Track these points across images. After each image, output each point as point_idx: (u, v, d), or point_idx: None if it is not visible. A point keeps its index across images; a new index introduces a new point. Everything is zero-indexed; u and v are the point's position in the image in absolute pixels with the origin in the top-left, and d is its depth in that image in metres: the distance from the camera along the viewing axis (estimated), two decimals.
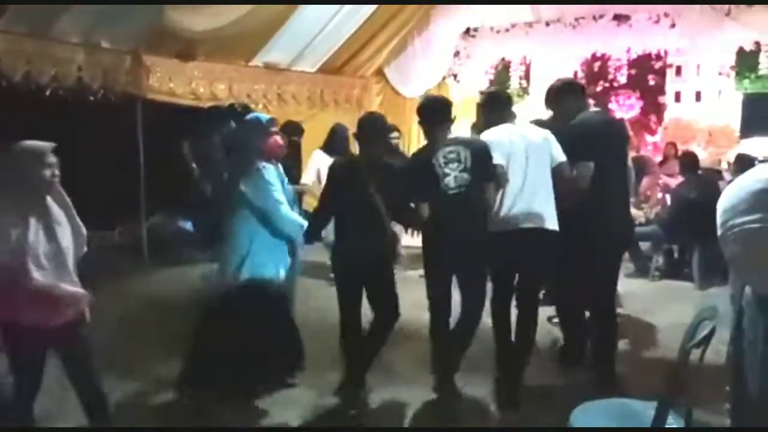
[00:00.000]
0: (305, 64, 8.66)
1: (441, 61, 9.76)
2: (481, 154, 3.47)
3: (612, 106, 9.54)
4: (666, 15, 8.59)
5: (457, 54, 9.85)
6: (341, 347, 3.84)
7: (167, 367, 4.19)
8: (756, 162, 5.41)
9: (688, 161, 6.43)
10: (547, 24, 9.28)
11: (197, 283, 5.77)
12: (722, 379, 2.99)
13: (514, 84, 9.76)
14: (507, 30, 9.60)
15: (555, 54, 9.39)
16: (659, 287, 6.22)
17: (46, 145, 2.70)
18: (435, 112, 3.67)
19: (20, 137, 5.63)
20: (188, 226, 8.01)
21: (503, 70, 9.84)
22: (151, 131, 6.85)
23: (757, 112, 8.04)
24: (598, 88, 9.69)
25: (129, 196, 6.88)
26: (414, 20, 9.20)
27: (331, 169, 3.73)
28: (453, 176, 3.44)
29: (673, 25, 8.57)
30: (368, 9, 8.22)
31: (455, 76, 9.96)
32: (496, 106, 3.83)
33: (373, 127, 3.67)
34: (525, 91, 9.74)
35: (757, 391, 2.18)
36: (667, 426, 2.21)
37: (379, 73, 9.87)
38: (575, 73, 9.61)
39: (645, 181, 8.09)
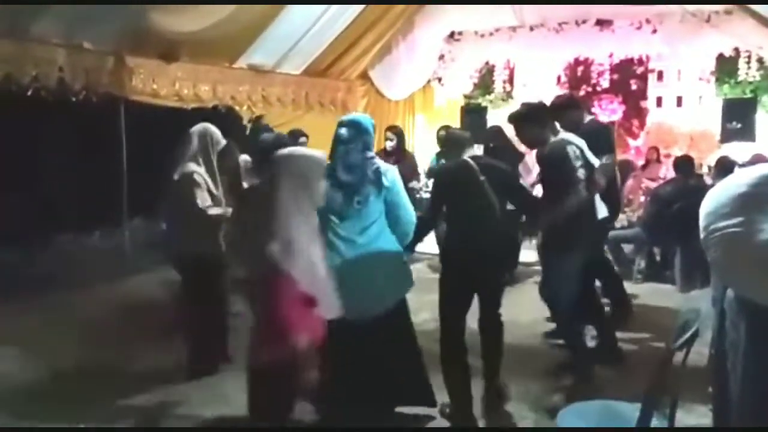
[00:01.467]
0: (290, 67, 8.63)
1: (426, 65, 9.80)
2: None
3: (595, 110, 9.63)
4: (648, 21, 8.69)
5: (441, 57, 9.88)
6: (443, 366, 3.55)
7: (149, 367, 4.18)
8: (737, 166, 5.48)
9: (684, 164, 6.43)
10: (531, 28, 9.35)
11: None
12: (705, 381, 3.04)
13: (498, 88, 9.81)
14: (491, 34, 9.66)
15: (538, 58, 9.46)
16: (642, 290, 6.27)
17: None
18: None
19: (2, 138, 5.59)
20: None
21: (487, 73, 9.89)
22: (134, 133, 6.79)
23: (736, 117, 8.16)
24: (581, 93, 9.76)
25: (111, 198, 6.81)
26: (399, 23, 9.23)
27: (442, 173, 3.84)
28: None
29: (654, 31, 8.68)
30: (353, 12, 8.22)
31: (440, 79, 10.00)
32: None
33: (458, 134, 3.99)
34: (509, 95, 9.80)
35: (739, 392, 2.20)
36: (651, 427, 2.23)
37: (364, 75, 9.88)
38: (558, 78, 9.69)
39: (628, 185, 8.17)
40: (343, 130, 3.33)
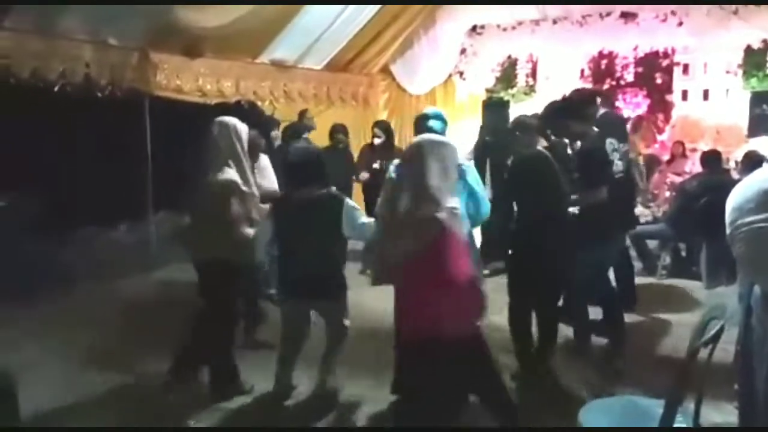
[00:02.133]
0: (312, 62, 8.66)
1: (447, 59, 9.76)
2: None
3: (619, 104, 9.51)
4: (673, 13, 8.55)
5: (463, 51, 9.83)
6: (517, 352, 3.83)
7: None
8: (765, 161, 5.39)
9: (711, 159, 6.34)
10: (554, 22, 9.26)
11: None
12: (730, 378, 3.00)
13: (520, 82, 9.74)
14: (513, 28, 9.58)
15: (562, 51, 9.37)
16: (667, 286, 6.20)
17: None
18: None
19: (30, 133, 5.69)
20: None
21: (510, 67, 9.82)
22: (158, 127, 6.87)
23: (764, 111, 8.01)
24: (605, 86, 9.65)
25: (136, 192, 6.90)
26: (420, 18, 9.20)
27: (519, 164, 3.86)
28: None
29: (680, 24, 8.54)
30: (374, 6, 8.22)
31: (461, 73, 9.94)
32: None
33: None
34: (531, 89, 9.73)
35: (765, 389, 2.18)
36: (675, 425, 2.21)
37: (386, 70, 9.87)
38: (582, 71, 9.59)
39: (653, 180, 8.07)
40: (434, 123, 3.44)
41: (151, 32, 6.47)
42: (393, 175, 3.30)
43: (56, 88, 5.87)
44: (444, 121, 3.65)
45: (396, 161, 3.36)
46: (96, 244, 7.15)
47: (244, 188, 3.55)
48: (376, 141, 6.78)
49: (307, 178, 3.47)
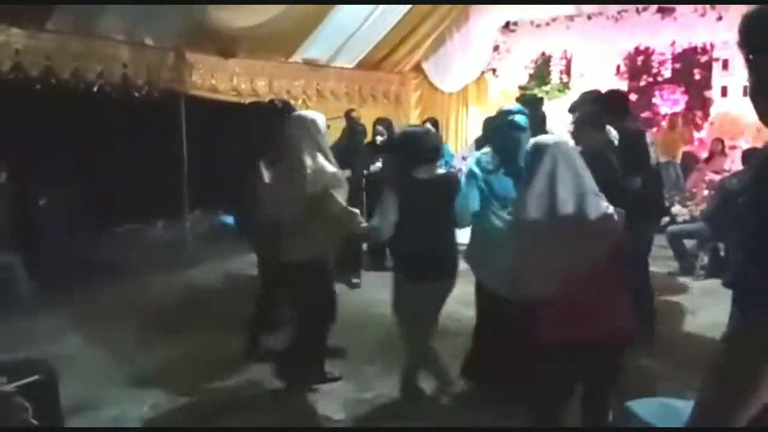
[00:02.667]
0: (344, 60, 8.70)
1: (480, 56, 9.70)
2: None
3: (656, 100, 9.35)
4: (712, 7, 8.36)
5: (496, 48, 9.76)
6: None
7: (212, 357, 4.30)
8: None
9: (754, 156, 6.19)
10: (589, 17, 9.13)
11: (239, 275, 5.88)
12: None
13: (554, 79, 9.63)
14: (547, 24, 9.48)
15: (597, 48, 9.24)
16: (705, 286, 6.07)
17: None
18: None
19: (70, 132, 5.82)
20: (229, 220, 8.15)
21: (543, 64, 9.73)
22: (194, 126, 6.98)
23: None
24: (642, 83, 9.50)
25: (173, 190, 7.03)
26: (453, 15, 9.16)
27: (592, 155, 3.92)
28: None
29: (719, 18, 8.34)
30: (406, 5, 8.20)
31: (494, 70, 9.88)
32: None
33: None
34: (566, 86, 9.62)
35: None
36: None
37: (417, 68, 9.86)
38: (617, 68, 9.45)
39: (691, 178, 7.90)
40: (520, 118, 3.42)
41: (186, 33, 6.57)
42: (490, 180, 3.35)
43: (95, 88, 6.00)
44: (527, 117, 3.57)
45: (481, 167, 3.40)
46: (133, 241, 7.31)
47: (341, 179, 3.58)
48: (378, 139, 6.54)
49: (427, 157, 3.44)
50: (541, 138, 2.82)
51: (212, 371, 4.07)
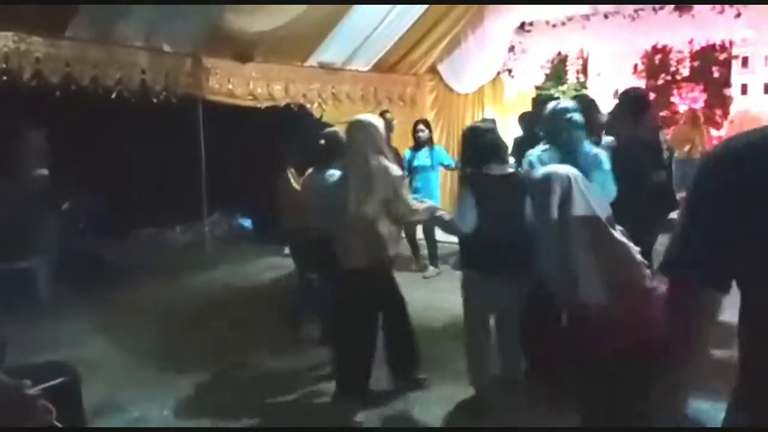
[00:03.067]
0: (359, 63, 8.71)
1: (495, 57, 9.66)
2: None
3: (674, 99, 9.26)
4: (731, 4, 8.26)
5: (511, 49, 9.71)
6: None
7: (235, 360, 4.33)
8: None
9: None
10: (606, 16, 9.05)
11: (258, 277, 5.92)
12: None
13: (571, 78, 9.58)
14: (563, 23, 9.41)
15: (614, 47, 9.17)
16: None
17: None
18: None
19: (91, 138, 5.89)
20: (247, 223, 8.22)
21: (559, 64, 9.67)
22: (211, 131, 7.04)
23: None
24: (660, 82, 9.41)
25: (191, 194, 7.09)
26: (468, 16, 9.13)
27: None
28: None
29: (738, 15, 8.24)
30: (421, 6, 8.19)
31: (510, 71, 9.83)
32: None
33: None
34: (582, 85, 9.56)
35: None
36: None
37: (433, 70, 9.83)
38: (635, 66, 9.37)
39: None
40: (578, 116, 3.53)
41: (203, 38, 6.63)
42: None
43: (114, 95, 6.07)
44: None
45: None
46: (153, 245, 7.39)
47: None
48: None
49: (499, 156, 3.51)
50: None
51: (232, 372, 4.11)
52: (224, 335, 4.82)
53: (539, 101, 7.28)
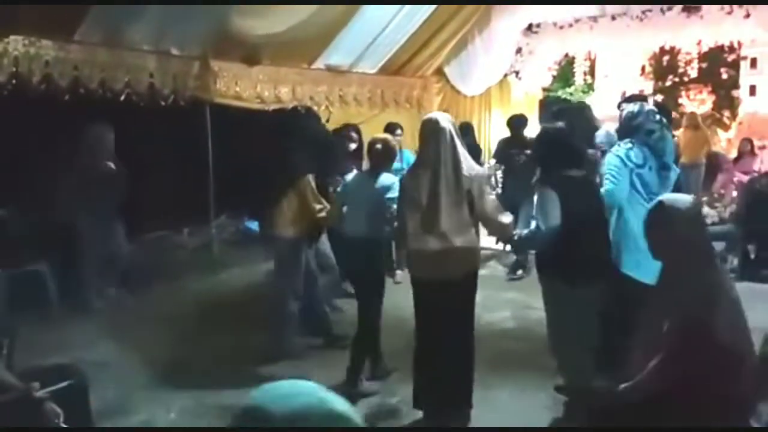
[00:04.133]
0: (366, 66, 8.72)
1: (502, 59, 9.66)
2: None
3: (682, 101, 9.22)
4: (740, 5, 8.23)
5: (519, 51, 9.71)
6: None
7: (239, 361, 4.34)
8: None
9: None
10: (613, 18, 9.04)
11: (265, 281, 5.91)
12: None
13: (578, 80, 9.57)
14: (570, 25, 9.40)
15: (621, 48, 9.16)
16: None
17: None
18: None
19: (100, 141, 5.93)
20: (254, 226, 8.23)
21: (567, 66, 9.67)
22: (219, 134, 7.06)
23: None
24: (668, 83, 9.38)
25: (199, 197, 7.11)
26: (474, 18, 9.12)
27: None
28: None
29: (747, 16, 8.20)
30: (428, 8, 8.19)
31: (517, 73, 9.83)
32: None
33: None
34: (590, 87, 9.55)
35: None
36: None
37: (439, 72, 9.84)
38: (642, 68, 9.35)
39: (719, 179, 7.79)
40: (659, 117, 3.77)
41: (211, 41, 6.65)
42: None
43: (122, 98, 6.10)
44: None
45: None
46: (161, 248, 7.41)
47: None
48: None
49: (579, 159, 3.56)
50: None
51: (239, 375, 4.11)
52: (232, 337, 4.83)
53: (546, 104, 7.30)
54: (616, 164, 3.66)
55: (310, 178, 4.39)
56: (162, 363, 4.39)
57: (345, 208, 4.08)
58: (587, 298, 3.33)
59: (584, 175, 3.54)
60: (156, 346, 4.68)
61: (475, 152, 6.69)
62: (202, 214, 7.31)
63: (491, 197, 3.47)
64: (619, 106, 4.45)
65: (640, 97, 4.96)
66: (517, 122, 7.05)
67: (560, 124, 3.92)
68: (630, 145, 3.72)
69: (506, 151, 7.02)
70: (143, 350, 4.61)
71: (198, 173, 7.02)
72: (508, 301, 5.59)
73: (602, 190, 3.67)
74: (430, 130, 3.43)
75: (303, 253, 4.54)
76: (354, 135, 6.19)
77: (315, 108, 7.89)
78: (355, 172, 4.98)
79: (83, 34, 5.79)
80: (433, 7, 8.19)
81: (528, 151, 6.39)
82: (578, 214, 3.27)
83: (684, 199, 2.49)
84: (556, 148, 3.52)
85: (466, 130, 6.72)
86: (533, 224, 3.43)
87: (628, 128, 3.86)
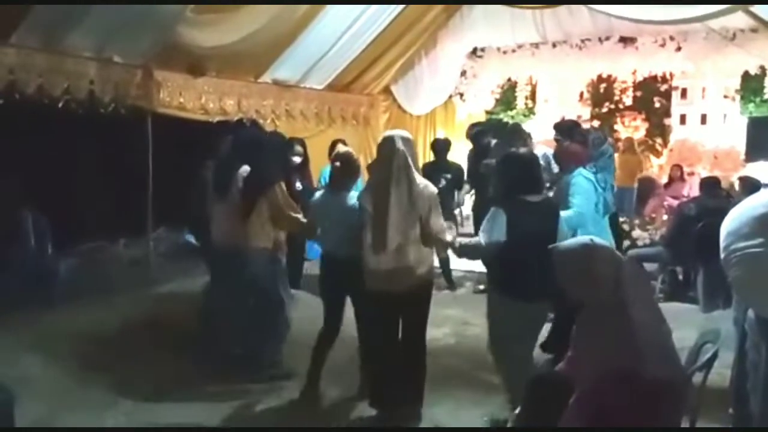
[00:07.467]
0: (313, 81, 8.74)
1: (448, 80, 9.86)
2: None
3: (617, 127, 9.59)
4: (672, 38, 8.67)
5: (463, 73, 9.95)
6: None
7: (174, 376, 4.23)
8: (762, 186, 5.43)
9: (710, 185, 6.39)
10: (554, 45, 9.38)
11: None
12: (725, 401, 3.02)
13: (520, 104, 9.84)
14: (513, 51, 9.71)
15: (561, 74, 9.49)
16: (663, 309, 6.20)
17: None
18: None
19: (32, 148, 5.72)
20: (192, 239, 8.06)
21: (509, 90, 9.94)
22: (160, 144, 6.91)
23: (762, 136, 8.09)
24: (604, 110, 9.75)
25: (137, 208, 6.93)
26: (422, 40, 9.30)
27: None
28: None
29: (678, 49, 8.66)
30: (377, 28, 8.30)
31: (461, 95, 10.05)
32: None
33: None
34: (531, 111, 9.83)
35: (759, 413, 2.19)
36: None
37: (387, 90, 9.96)
38: (581, 94, 9.69)
39: (650, 203, 8.11)
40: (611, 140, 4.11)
41: (155, 50, 6.53)
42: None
43: (60, 105, 5.91)
44: None
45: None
46: (96, 259, 7.17)
47: None
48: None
49: (538, 184, 3.56)
50: None
51: (175, 393, 4.02)
52: (167, 353, 4.70)
53: (474, 133, 7.23)
54: (588, 189, 4.07)
55: (281, 186, 4.30)
56: (93, 379, 4.24)
57: (319, 230, 4.00)
58: (535, 314, 3.44)
59: (544, 199, 3.55)
60: (87, 362, 4.51)
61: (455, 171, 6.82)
62: (140, 226, 7.12)
63: (439, 217, 3.51)
64: (554, 128, 4.69)
65: (574, 123, 5.20)
66: (439, 146, 7.07)
67: (525, 149, 4.02)
68: (595, 169, 4.17)
69: (428, 175, 6.93)
70: (74, 365, 4.43)
71: (137, 183, 6.85)
72: (447, 318, 5.64)
73: (570, 211, 3.94)
74: (387, 149, 3.49)
75: (279, 264, 4.55)
76: (299, 148, 6.13)
77: (261, 121, 7.88)
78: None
79: (20, 37, 5.60)
80: (382, 27, 8.31)
81: (448, 175, 6.52)
82: (530, 236, 3.30)
83: (575, 242, 2.63)
84: (517, 172, 3.53)
85: (443, 146, 6.96)
86: (479, 237, 3.48)
87: (595, 154, 4.17)
